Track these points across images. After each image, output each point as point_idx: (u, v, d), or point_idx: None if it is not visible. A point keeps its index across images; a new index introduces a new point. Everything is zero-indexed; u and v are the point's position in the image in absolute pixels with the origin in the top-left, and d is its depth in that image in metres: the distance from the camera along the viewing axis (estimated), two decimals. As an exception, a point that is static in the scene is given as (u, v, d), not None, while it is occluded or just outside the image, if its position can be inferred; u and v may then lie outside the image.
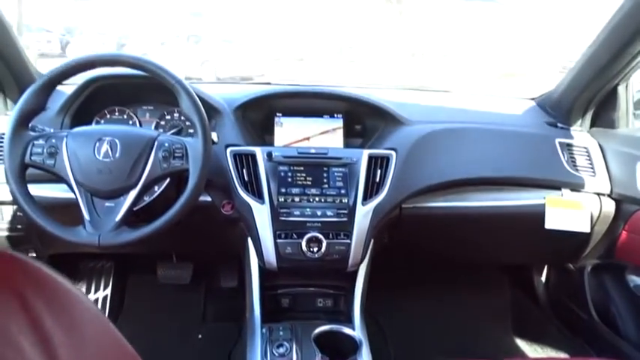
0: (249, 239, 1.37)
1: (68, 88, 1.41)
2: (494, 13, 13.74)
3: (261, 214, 1.31)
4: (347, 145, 1.51)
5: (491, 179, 1.48)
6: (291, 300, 1.47)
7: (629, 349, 1.53)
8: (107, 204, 1.17)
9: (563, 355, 1.82)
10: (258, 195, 1.33)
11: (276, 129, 1.51)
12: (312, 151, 1.42)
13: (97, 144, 1.14)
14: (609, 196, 1.51)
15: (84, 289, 1.95)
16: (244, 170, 1.35)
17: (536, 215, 1.48)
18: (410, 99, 1.74)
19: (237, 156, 1.37)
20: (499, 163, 1.49)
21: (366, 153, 1.40)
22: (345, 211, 1.34)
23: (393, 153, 1.41)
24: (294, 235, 1.31)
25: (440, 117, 1.59)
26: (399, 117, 1.51)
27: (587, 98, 1.57)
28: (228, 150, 1.37)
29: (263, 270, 1.37)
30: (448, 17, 13.48)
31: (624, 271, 1.56)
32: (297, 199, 1.35)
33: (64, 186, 1.16)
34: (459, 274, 2.04)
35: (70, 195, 1.15)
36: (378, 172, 1.38)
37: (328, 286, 1.46)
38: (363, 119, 1.55)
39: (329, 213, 1.33)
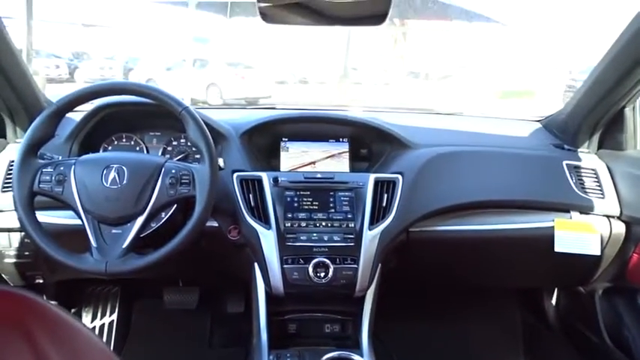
0: (256, 264, 1.36)
1: (76, 115, 1.43)
2: (497, 34, 13.85)
3: (268, 240, 1.31)
4: (353, 169, 1.52)
5: (499, 202, 1.47)
6: (298, 326, 1.45)
7: None
8: (114, 231, 1.17)
9: None
10: (264, 220, 1.33)
11: (282, 154, 1.51)
12: (319, 175, 1.42)
13: (105, 171, 1.15)
14: (619, 218, 1.49)
15: (90, 315, 1.94)
16: (251, 195, 1.36)
17: (546, 238, 1.46)
18: (415, 122, 1.74)
19: (243, 181, 1.37)
20: (506, 186, 1.49)
21: (372, 177, 1.40)
22: (352, 236, 1.33)
23: (400, 177, 1.41)
24: (301, 261, 1.30)
25: (446, 140, 1.59)
26: (405, 141, 1.51)
27: (595, 120, 1.56)
28: (235, 175, 1.37)
29: (270, 295, 1.36)
30: (451, 38, 13.59)
31: (636, 294, 1.53)
32: (303, 224, 1.34)
33: (71, 213, 1.17)
34: (468, 298, 2.01)
35: (78, 222, 1.15)
36: (385, 196, 1.38)
37: (336, 311, 1.45)
38: (369, 143, 1.56)
39: (336, 238, 1.33)
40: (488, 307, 2.06)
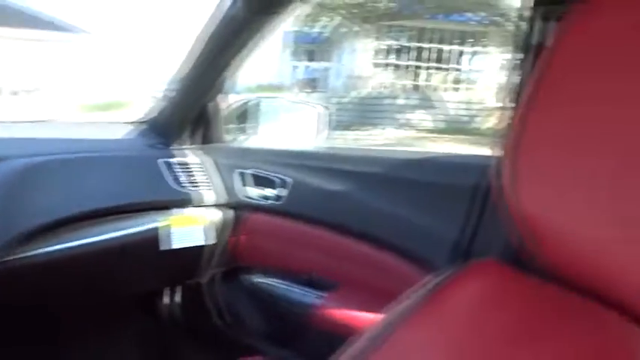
0: None
1: None
2: (87, 45, 13.43)
3: None
4: None
5: (102, 210, 1.37)
6: None
7: (263, 345, 1.65)
8: None
9: None
10: None
11: None
12: None
13: None
14: (225, 206, 1.60)
15: None
16: None
17: (153, 240, 1.45)
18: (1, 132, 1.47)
19: None
20: (106, 191, 1.40)
21: None
22: None
23: None
24: None
25: (37, 150, 1.38)
26: None
27: (186, 117, 1.65)
28: None
29: None
30: (39, 50, 12.48)
31: (249, 273, 1.67)
32: None
33: None
34: (96, 316, 1.83)
35: None
36: None
37: None
38: None
39: None
40: (118, 320, 1.93)
